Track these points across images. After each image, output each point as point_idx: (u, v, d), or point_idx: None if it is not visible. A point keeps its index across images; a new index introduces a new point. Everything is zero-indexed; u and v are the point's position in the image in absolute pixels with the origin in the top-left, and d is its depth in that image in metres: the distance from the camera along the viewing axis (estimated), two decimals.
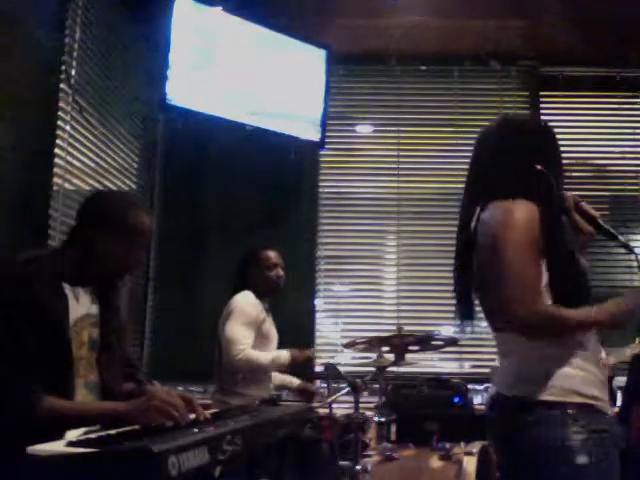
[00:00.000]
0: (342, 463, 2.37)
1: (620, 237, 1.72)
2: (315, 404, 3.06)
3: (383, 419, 2.96)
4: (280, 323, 3.44)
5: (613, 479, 1.57)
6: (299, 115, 4.27)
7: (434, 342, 3.27)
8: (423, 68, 4.83)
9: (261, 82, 4.11)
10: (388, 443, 2.86)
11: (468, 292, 1.75)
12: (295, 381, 3.48)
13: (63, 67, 3.16)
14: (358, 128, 4.87)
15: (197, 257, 4.47)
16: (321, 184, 4.73)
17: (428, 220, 4.67)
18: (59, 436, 1.58)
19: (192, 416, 1.58)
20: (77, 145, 3.35)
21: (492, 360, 3.86)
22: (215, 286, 4.09)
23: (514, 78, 4.80)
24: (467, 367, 4.50)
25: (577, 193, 1.79)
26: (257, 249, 3.41)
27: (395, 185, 4.74)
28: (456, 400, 3.64)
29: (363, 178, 4.78)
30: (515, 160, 1.70)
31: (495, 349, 1.78)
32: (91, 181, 3.53)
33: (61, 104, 3.16)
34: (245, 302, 3.23)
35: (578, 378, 1.58)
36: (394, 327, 3.51)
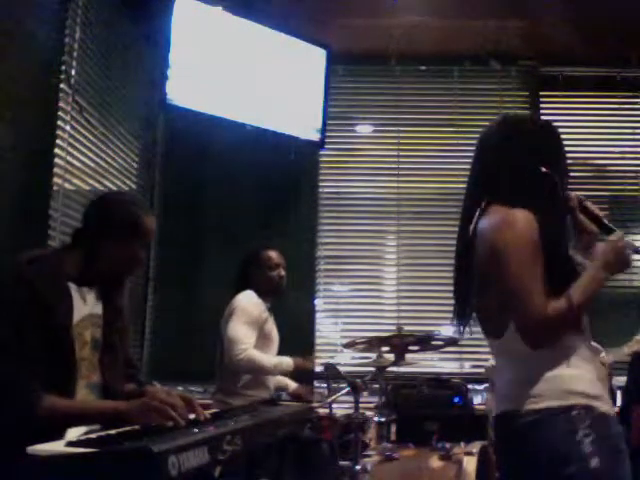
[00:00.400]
0: (342, 463, 2.37)
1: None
2: (315, 404, 3.06)
3: (383, 419, 2.95)
4: (280, 323, 3.44)
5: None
6: (299, 115, 4.27)
7: (434, 342, 3.27)
8: (423, 68, 4.83)
9: (261, 82, 4.11)
10: (388, 443, 2.86)
11: (467, 293, 1.74)
12: (291, 384, 3.47)
13: (63, 67, 3.15)
14: (358, 128, 4.87)
15: (197, 257, 4.47)
16: (321, 184, 4.73)
17: (428, 220, 4.67)
18: (60, 435, 1.59)
19: (192, 416, 1.58)
20: (77, 145, 3.35)
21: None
22: (215, 286, 4.09)
23: (514, 78, 4.81)
24: (467, 367, 4.50)
25: (577, 193, 1.78)
26: (259, 249, 3.41)
27: (395, 185, 4.74)
28: (456, 400, 3.64)
29: (363, 178, 4.78)
30: (516, 161, 1.69)
31: None
32: (91, 181, 3.53)
33: (61, 104, 3.15)
34: (248, 301, 3.23)
35: (578, 378, 1.57)
36: (394, 327, 3.51)
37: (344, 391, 2.77)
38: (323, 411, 2.84)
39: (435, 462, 2.56)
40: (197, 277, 4.41)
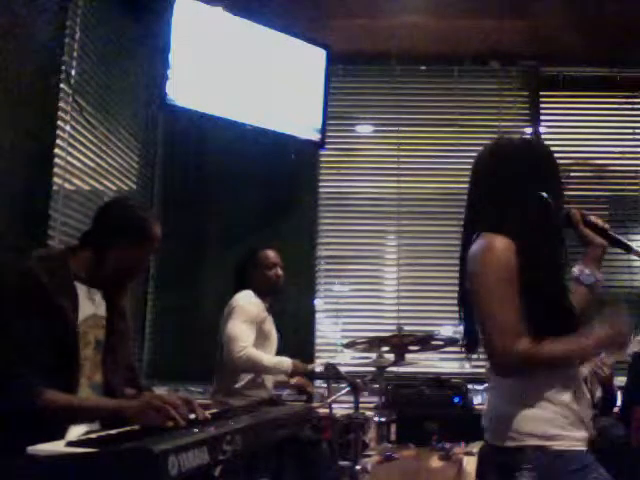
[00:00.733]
0: (342, 463, 2.38)
1: (634, 247, 1.71)
2: (315, 404, 3.06)
3: (383, 419, 2.96)
4: (280, 323, 3.44)
5: None
6: (299, 115, 4.27)
7: (434, 342, 3.28)
8: (423, 68, 4.83)
9: (261, 82, 4.11)
10: (388, 443, 2.87)
11: (470, 323, 1.74)
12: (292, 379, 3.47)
13: (63, 67, 3.16)
14: (358, 128, 4.87)
15: (197, 257, 4.47)
16: (321, 184, 4.73)
17: (428, 220, 4.67)
18: (61, 433, 1.60)
19: (192, 416, 1.59)
20: (77, 145, 3.35)
21: None
22: (215, 286, 4.09)
23: (514, 78, 4.81)
24: (467, 367, 4.49)
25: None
26: (256, 249, 3.41)
27: (395, 185, 4.74)
28: (456, 400, 3.64)
29: (363, 178, 4.78)
30: (503, 186, 1.67)
31: None
32: (91, 181, 3.53)
33: (61, 104, 3.16)
34: (246, 301, 3.24)
35: (536, 418, 1.54)
36: (394, 327, 3.52)
37: (344, 391, 2.78)
38: (323, 411, 2.84)
39: (435, 462, 2.56)
40: (197, 277, 4.41)
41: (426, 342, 3.18)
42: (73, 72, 3.26)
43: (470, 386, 3.80)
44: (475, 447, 2.63)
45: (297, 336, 4.15)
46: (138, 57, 4.01)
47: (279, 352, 3.37)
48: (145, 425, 1.52)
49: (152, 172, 4.44)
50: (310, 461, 2.17)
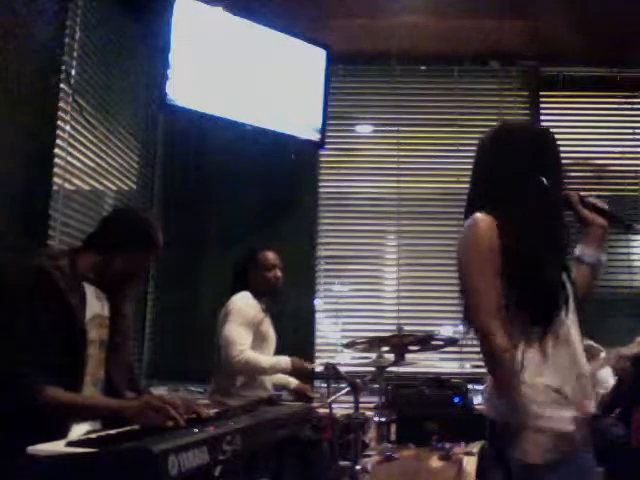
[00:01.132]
0: (342, 463, 2.38)
1: (634, 225, 1.72)
2: (315, 404, 3.06)
3: (383, 419, 2.96)
4: (280, 323, 3.44)
5: None
6: (299, 115, 4.27)
7: (434, 342, 3.27)
8: (423, 68, 4.84)
9: (261, 82, 4.11)
10: (388, 443, 2.86)
11: None
12: (293, 381, 3.47)
13: (63, 67, 3.15)
14: (358, 128, 4.87)
15: (197, 257, 4.47)
16: (321, 184, 4.73)
17: (428, 220, 4.67)
18: (63, 431, 1.60)
19: (199, 413, 1.60)
20: (77, 145, 3.35)
21: None
22: (215, 286, 4.09)
23: (514, 78, 4.81)
24: (467, 367, 4.49)
25: (576, 191, 1.79)
26: (255, 250, 3.41)
27: (395, 185, 4.74)
28: (456, 400, 3.64)
29: (363, 178, 4.78)
30: (502, 167, 1.68)
31: None
32: (91, 181, 3.53)
33: (61, 104, 3.15)
34: (243, 303, 3.23)
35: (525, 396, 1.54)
36: (394, 327, 3.51)
37: (344, 391, 2.77)
38: (323, 411, 2.84)
39: (435, 462, 2.55)
40: (197, 277, 4.41)
41: (426, 342, 3.17)
42: (73, 72, 3.26)
43: (470, 386, 3.79)
44: (475, 447, 2.63)
45: (297, 336, 4.15)
46: (138, 57, 4.01)
47: (278, 352, 3.37)
48: (145, 425, 1.52)
49: (152, 172, 4.44)
50: (310, 461, 2.17)
